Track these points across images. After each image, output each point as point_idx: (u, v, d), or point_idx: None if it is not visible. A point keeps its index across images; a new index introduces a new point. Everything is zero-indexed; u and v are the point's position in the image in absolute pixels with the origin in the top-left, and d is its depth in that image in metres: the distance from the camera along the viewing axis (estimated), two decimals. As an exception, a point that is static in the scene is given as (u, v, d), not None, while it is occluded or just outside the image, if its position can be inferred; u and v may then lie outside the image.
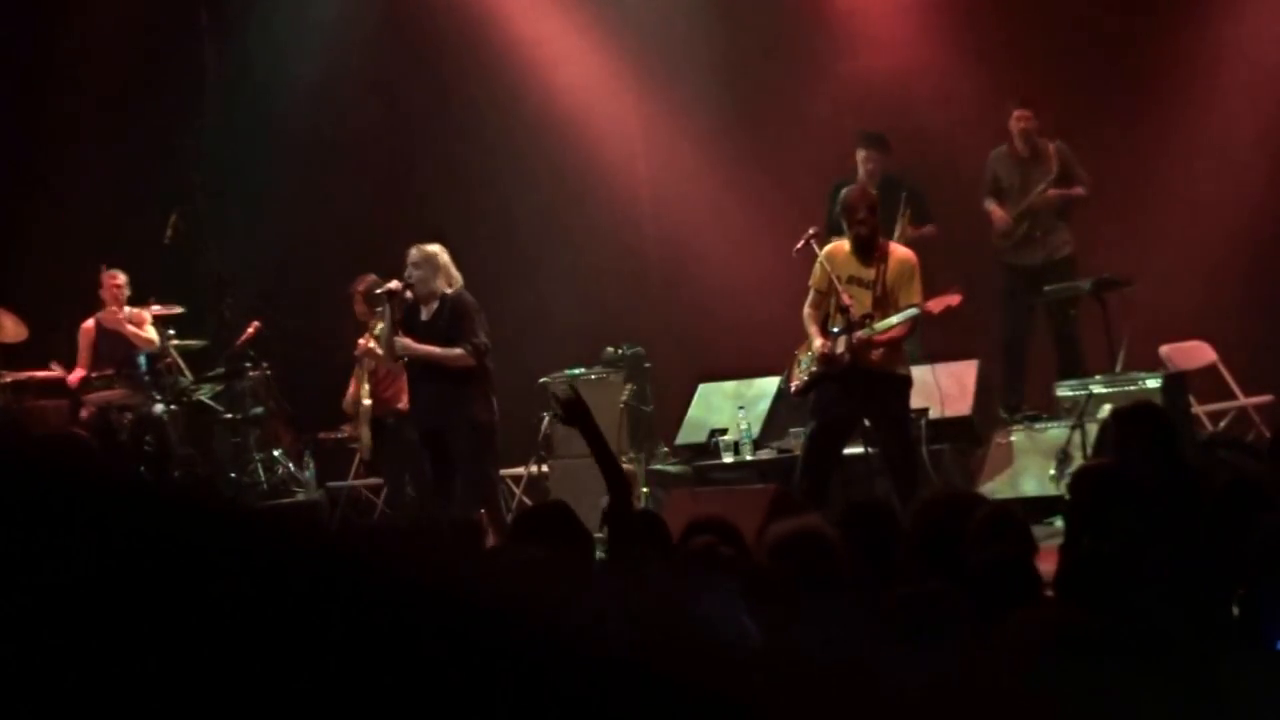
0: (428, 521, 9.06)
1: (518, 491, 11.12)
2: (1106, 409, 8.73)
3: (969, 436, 9.96)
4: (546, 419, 10.98)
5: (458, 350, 9.03)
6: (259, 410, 11.48)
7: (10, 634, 1.13)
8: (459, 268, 9.29)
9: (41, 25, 12.48)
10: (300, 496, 11.18)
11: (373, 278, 10.07)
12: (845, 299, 8.38)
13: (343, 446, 11.27)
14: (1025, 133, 10.76)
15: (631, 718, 1.20)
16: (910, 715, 1.31)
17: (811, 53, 12.24)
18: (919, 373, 9.05)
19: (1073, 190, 10.74)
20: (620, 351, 11.23)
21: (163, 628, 1.15)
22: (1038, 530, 5.44)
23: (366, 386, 10.28)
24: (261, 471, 11.40)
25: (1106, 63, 11.59)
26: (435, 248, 9.23)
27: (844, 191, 8.90)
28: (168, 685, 1.13)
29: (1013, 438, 9.92)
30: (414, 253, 9.18)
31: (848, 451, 8.79)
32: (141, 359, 11.13)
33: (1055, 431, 9.65)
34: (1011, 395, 10.70)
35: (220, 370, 11.54)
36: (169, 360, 11.16)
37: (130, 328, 11.26)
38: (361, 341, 10.18)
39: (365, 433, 10.33)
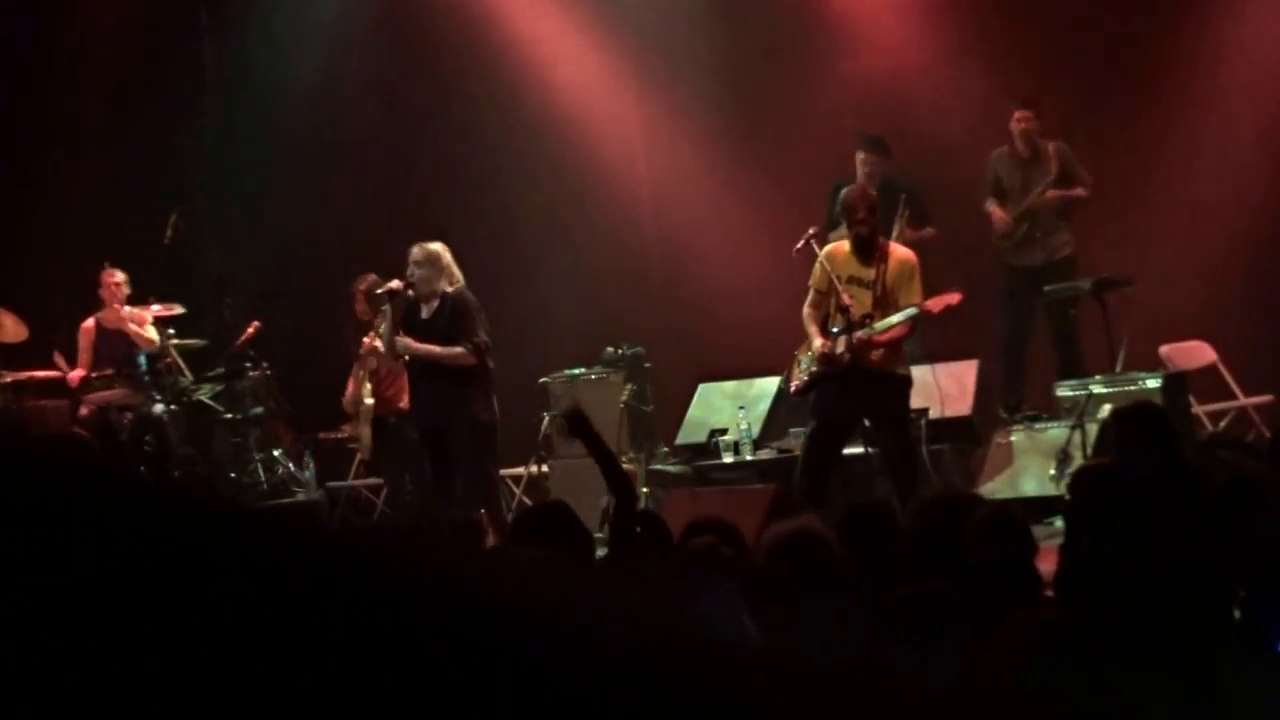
0: (428, 521, 9.06)
1: (518, 491, 11.12)
2: (1106, 409, 8.73)
3: (969, 436, 9.96)
4: (546, 419, 10.99)
5: (458, 349, 9.03)
6: (259, 410, 11.48)
7: (10, 634, 1.13)
8: (459, 267, 9.29)
9: (41, 25, 12.48)
10: (300, 496, 11.18)
11: (373, 277, 10.07)
12: (845, 299, 8.37)
13: (343, 446, 11.27)
14: (1025, 133, 10.76)
15: (631, 718, 1.20)
16: (910, 715, 1.31)
17: (811, 53, 12.23)
18: (919, 373, 9.05)
19: (1073, 191, 10.73)
20: (620, 351, 11.23)
21: (163, 628, 1.15)
22: (1038, 530, 5.44)
23: (368, 386, 10.27)
24: (261, 471, 11.40)
25: (1106, 63, 11.59)
26: (438, 246, 9.23)
27: (844, 192, 8.90)
28: (168, 685, 1.13)
29: (1013, 438, 9.92)
30: (416, 251, 9.17)
31: (848, 451, 8.79)
32: (141, 359, 11.13)
33: (1055, 431, 9.65)
34: (1011, 395, 10.69)
35: (220, 370, 11.54)
36: (169, 360, 11.16)
37: (132, 326, 11.26)
38: (366, 340, 10.18)
39: (366, 432, 10.32)
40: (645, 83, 12.57)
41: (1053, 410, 9.97)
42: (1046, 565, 4.59)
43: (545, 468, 11.04)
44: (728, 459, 10.18)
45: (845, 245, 8.62)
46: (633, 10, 12.47)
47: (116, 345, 11.30)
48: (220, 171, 12.38)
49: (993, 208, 10.90)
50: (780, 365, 9.49)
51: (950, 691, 1.36)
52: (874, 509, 5.55)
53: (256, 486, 11.24)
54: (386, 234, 10.60)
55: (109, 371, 11.19)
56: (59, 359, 11.25)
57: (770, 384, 10.49)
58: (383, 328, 9.33)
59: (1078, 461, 8.84)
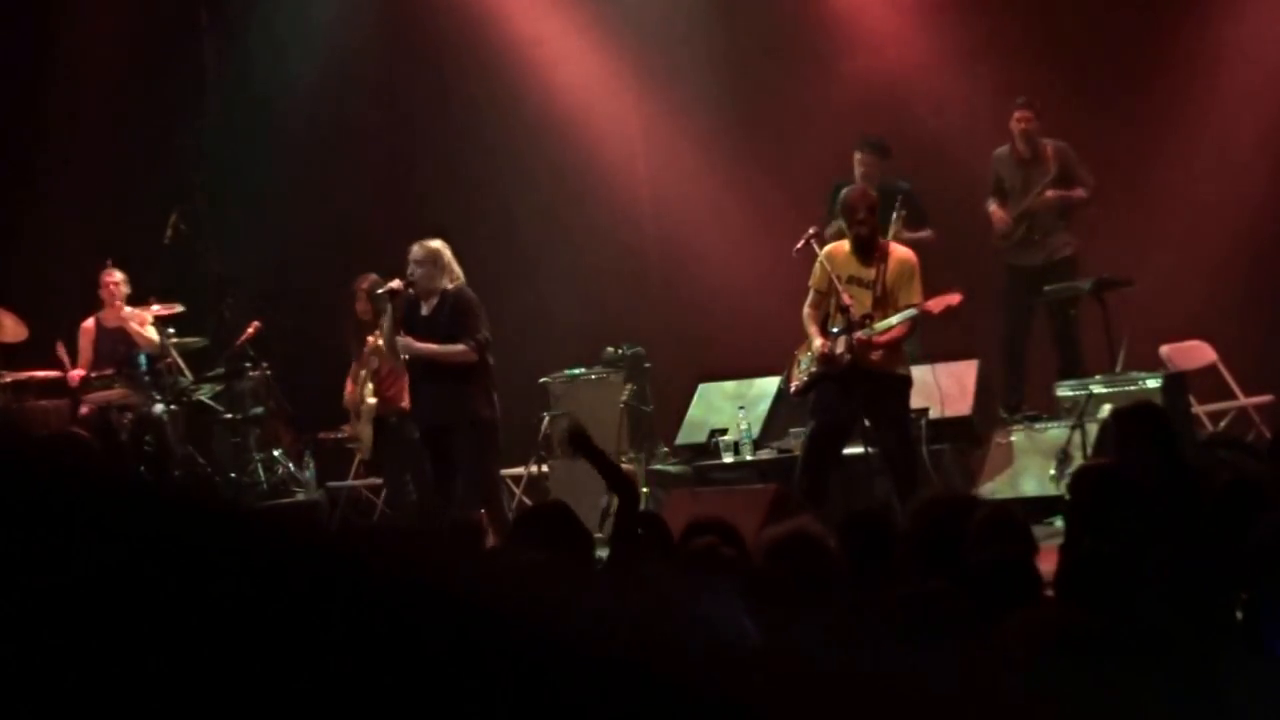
0: (429, 522, 9.06)
1: (518, 491, 11.12)
2: (1106, 409, 8.74)
3: (969, 436, 9.96)
4: (547, 419, 10.99)
5: (460, 346, 9.02)
6: (259, 410, 11.48)
7: (10, 634, 1.13)
8: (459, 266, 9.29)
9: (41, 25, 12.48)
10: (300, 496, 11.19)
11: (374, 277, 10.06)
12: (846, 299, 8.37)
13: (343, 446, 11.27)
14: (1026, 133, 10.75)
15: (631, 718, 1.20)
16: (910, 715, 1.31)
17: (811, 53, 12.23)
18: (919, 373, 9.04)
19: (1073, 192, 10.72)
20: (620, 351, 11.23)
21: (163, 628, 1.15)
22: (1038, 530, 5.44)
23: (370, 385, 10.25)
24: (261, 471, 11.40)
25: (1106, 63, 11.59)
26: (437, 244, 9.21)
27: (844, 192, 8.89)
28: (168, 685, 1.13)
29: (1013, 438, 9.92)
30: (416, 250, 9.15)
31: (848, 451, 8.78)
32: (141, 359, 11.13)
33: (1055, 431, 9.65)
34: (1011, 395, 10.69)
35: (220, 370, 11.54)
36: (169, 360, 11.16)
37: (133, 325, 11.26)
38: (371, 339, 10.17)
39: (367, 431, 10.30)
40: (645, 83, 12.57)
41: (1053, 410, 9.97)
42: (1046, 565, 4.59)
43: (545, 468, 11.04)
44: (728, 459, 10.18)
45: (845, 245, 8.62)
46: (633, 10, 12.47)
47: (116, 345, 11.30)
48: (220, 171, 12.39)
49: (993, 208, 10.90)
50: (780, 365, 9.49)
51: (950, 692, 1.36)
52: (873, 513, 5.55)
53: (256, 486, 11.24)
54: (386, 234, 10.59)
55: (109, 371, 11.19)
56: (61, 350, 11.23)
57: (770, 384, 10.49)
58: (384, 327, 9.33)
59: (1078, 461, 8.84)
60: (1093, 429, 9.04)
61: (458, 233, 9.95)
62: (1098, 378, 9.79)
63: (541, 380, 11.17)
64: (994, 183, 10.95)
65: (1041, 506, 8.70)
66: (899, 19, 11.98)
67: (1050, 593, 4.40)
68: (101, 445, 9.98)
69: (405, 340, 9.11)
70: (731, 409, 10.54)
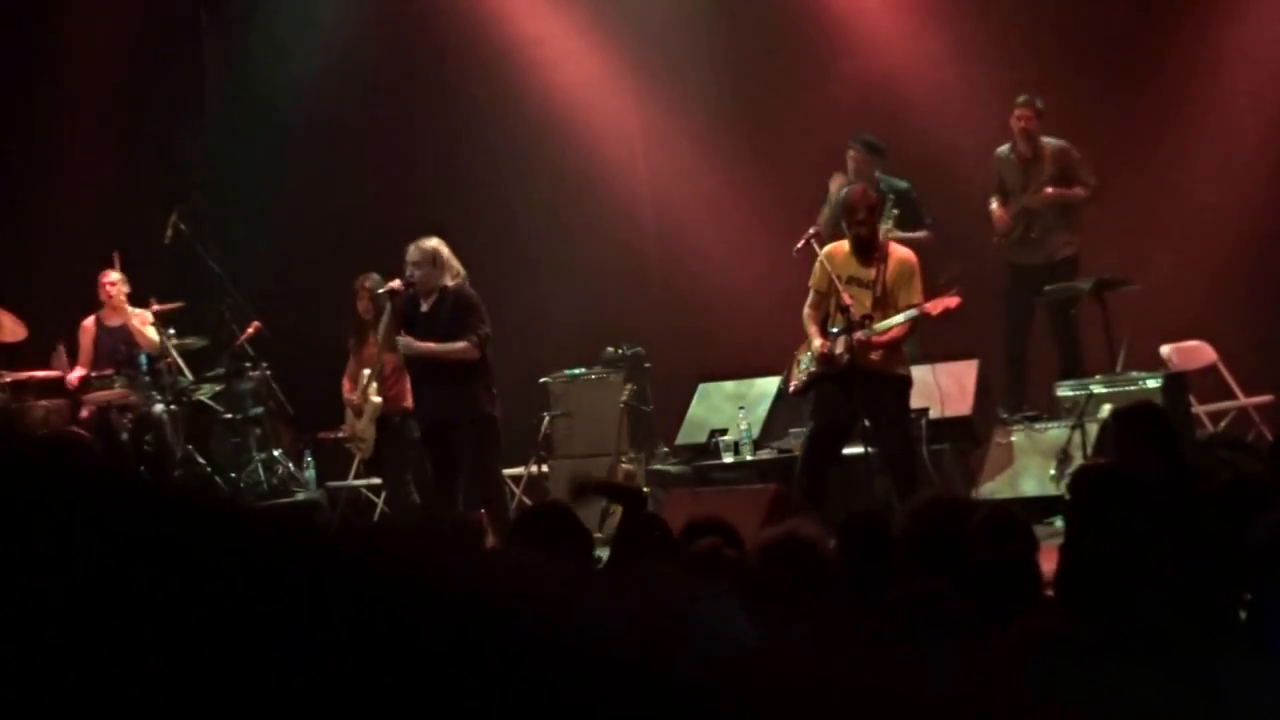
0: (429, 521, 9.06)
1: (518, 491, 11.12)
2: (1106, 409, 8.74)
3: (969, 436, 9.95)
4: (547, 419, 11.00)
5: (461, 344, 9.02)
6: (259, 410, 11.48)
7: (10, 634, 1.13)
8: (459, 263, 9.29)
9: (42, 25, 12.47)
10: (300, 496, 11.19)
11: (375, 276, 10.06)
12: (846, 299, 8.37)
13: (342, 446, 11.27)
14: (1026, 132, 10.74)
15: (631, 718, 1.20)
16: (910, 716, 1.31)
17: (811, 53, 12.23)
18: (919, 373, 9.04)
19: (1072, 191, 10.72)
20: (620, 351, 11.24)
21: (162, 628, 1.15)
22: (1038, 530, 5.44)
23: (375, 385, 10.24)
24: (261, 471, 11.40)
25: (1106, 63, 11.59)
26: (434, 242, 9.20)
27: (844, 192, 8.89)
28: (167, 685, 1.13)
29: (1013, 438, 9.91)
30: (413, 251, 9.15)
31: (848, 451, 8.78)
32: (141, 359, 11.13)
33: (1055, 431, 9.65)
34: (1011, 395, 10.69)
35: (220, 370, 11.54)
36: (169, 360, 11.16)
37: (135, 323, 11.26)
38: (373, 339, 10.16)
39: (370, 430, 10.29)
40: (645, 83, 12.57)
41: (1053, 410, 9.97)
42: (1046, 565, 4.59)
43: (545, 468, 11.04)
44: (728, 459, 10.18)
45: (845, 245, 8.62)
46: (633, 10, 12.47)
47: (116, 345, 11.30)
48: (220, 171, 12.39)
49: (994, 207, 10.90)
50: (780, 365, 9.49)
51: (949, 692, 1.36)
52: (873, 514, 5.55)
53: (256, 486, 11.24)
54: (386, 234, 10.59)
55: (109, 371, 11.20)
56: (61, 354, 11.23)
57: (770, 384, 10.49)
58: (382, 325, 9.34)
59: (1078, 461, 8.84)
60: (1093, 429, 9.03)
61: (458, 233, 9.95)
62: (1098, 378, 9.79)
63: (541, 380, 11.17)
64: (995, 182, 10.95)
65: (1041, 506, 8.70)
66: (899, 19, 11.98)
67: (1050, 593, 4.40)
68: (101, 445, 9.98)
69: (405, 340, 9.11)
70: (731, 409, 10.54)
